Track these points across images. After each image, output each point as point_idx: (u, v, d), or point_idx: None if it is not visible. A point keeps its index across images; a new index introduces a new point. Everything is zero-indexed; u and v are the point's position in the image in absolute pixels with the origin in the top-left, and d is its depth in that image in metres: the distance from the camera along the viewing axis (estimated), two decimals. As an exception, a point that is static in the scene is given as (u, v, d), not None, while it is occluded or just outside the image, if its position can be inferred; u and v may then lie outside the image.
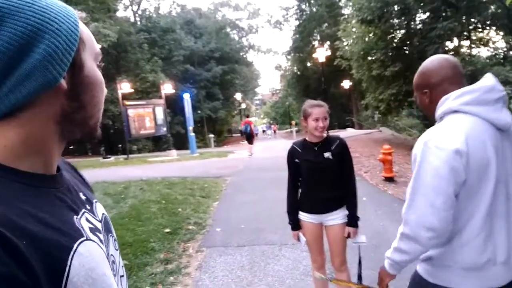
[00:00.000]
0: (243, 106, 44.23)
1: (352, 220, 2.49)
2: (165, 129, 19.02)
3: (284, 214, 5.65)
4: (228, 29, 43.46)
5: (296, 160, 2.54)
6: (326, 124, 2.41)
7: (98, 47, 0.63)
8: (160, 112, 18.35)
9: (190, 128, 18.04)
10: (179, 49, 32.83)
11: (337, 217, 2.51)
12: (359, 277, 2.50)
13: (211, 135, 29.32)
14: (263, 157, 14.09)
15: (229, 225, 5.16)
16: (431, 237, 1.24)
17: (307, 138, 2.55)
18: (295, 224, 2.62)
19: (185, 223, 5.28)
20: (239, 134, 41.71)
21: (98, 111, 0.63)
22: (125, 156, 17.96)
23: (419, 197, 1.27)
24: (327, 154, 2.44)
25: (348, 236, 2.51)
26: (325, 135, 2.51)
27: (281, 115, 53.65)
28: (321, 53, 16.40)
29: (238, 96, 38.85)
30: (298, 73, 38.54)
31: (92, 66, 0.61)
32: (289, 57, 41.25)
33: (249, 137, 15.47)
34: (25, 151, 0.55)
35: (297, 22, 38.28)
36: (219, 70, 35.04)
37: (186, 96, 18.38)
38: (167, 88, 19.98)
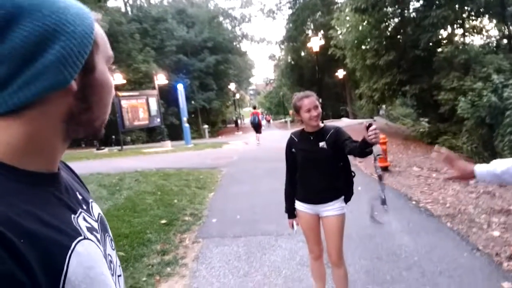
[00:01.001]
0: (237, 96, 44.06)
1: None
2: (159, 120, 18.92)
3: (280, 205, 5.67)
4: (221, 19, 42.87)
5: (293, 150, 2.55)
6: (319, 112, 2.41)
7: (110, 50, 0.63)
8: (153, 103, 18.23)
9: (185, 119, 17.96)
10: (172, 39, 32.45)
11: (333, 208, 2.48)
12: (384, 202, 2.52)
13: (206, 126, 29.23)
14: (258, 148, 14.11)
15: (225, 216, 5.18)
16: None
17: (304, 128, 2.55)
18: (290, 213, 2.66)
19: (181, 214, 5.29)
20: (233, 125, 41.77)
21: (105, 113, 0.64)
22: (119, 147, 17.87)
23: None
24: (322, 144, 2.43)
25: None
26: (321, 124, 2.51)
27: (275, 105, 53.65)
28: (315, 43, 16.34)
29: (232, 86, 38.58)
30: (292, 62, 38.36)
31: (104, 69, 0.61)
32: (282, 46, 40.98)
33: (257, 126, 16.44)
34: (28, 149, 0.54)
35: (290, 11, 37.98)
36: (212, 60, 34.67)
37: (180, 87, 18.25)
38: (160, 78, 19.82)
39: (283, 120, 37.91)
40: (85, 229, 0.59)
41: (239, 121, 40.66)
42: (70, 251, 0.52)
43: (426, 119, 18.24)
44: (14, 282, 0.43)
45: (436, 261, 3.43)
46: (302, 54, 36.85)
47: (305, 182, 2.54)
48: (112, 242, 0.72)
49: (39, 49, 0.50)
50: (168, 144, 17.35)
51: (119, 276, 0.70)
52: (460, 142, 11.30)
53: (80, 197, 0.67)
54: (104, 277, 0.58)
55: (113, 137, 19.90)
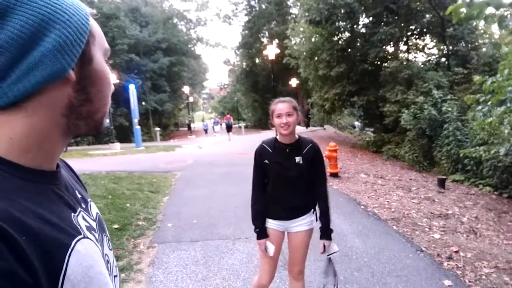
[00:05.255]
0: (191, 99, 43.48)
1: (327, 234, 2.30)
2: (107, 120, 18.09)
3: (237, 209, 5.72)
4: (176, 20, 42.14)
5: (266, 161, 2.28)
6: (290, 121, 2.18)
7: (106, 43, 0.64)
8: (102, 103, 17.44)
9: (136, 120, 17.41)
10: (123, 37, 31.27)
11: (304, 223, 2.32)
12: None
13: (157, 129, 28.50)
14: (213, 153, 14.03)
15: (181, 220, 5.10)
16: None
17: (278, 138, 2.31)
18: (263, 232, 2.32)
19: (134, 218, 5.12)
20: (186, 128, 41.08)
21: (104, 105, 0.63)
22: (62, 148, 16.83)
23: None
24: (298, 159, 2.23)
25: (323, 251, 2.31)
26: (297, 136, 2.30)
27: (229, 110, 53.62)
28: (271, 51, 16.65)
29: (186, 89, 38.00)
30: (247, 69, 38.70)
31: (101, 60, 0.61)
32: (238, 52, 41.28)
33: (229, 127, 22.98)
34: (29, 144, 0.54)
35: (246, 18, 38.44)
36: (166, 61, 33.92)
37: (132, 87, 17.67)
38: (111, 77, 19.03)
39: (236, 125, 37.98)
40: (84, 228, 0.59)
41: (192, 125, 40.05)
42: (70, 250, 0.52)
43: (372, 129, 19.32)
44: (17, 280, 0.43)
45: (384, 261, 3.65)
46: (257, 61, 37.37)
47: (277, 198, 2.32)
48: (109, 242, 0.72)
49: (36, 38, 0.50)
50: (117, 146, 16.68)
51: (115, 276, 0.70)
52: (402, 152, 12.10)
53: (79, 195, 0.67)
54: (103, 277, 0.58)
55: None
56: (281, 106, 2.20)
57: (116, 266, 0.72)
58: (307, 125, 26.87)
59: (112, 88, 0.66)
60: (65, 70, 0.53)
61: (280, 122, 2.18)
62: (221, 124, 43.57)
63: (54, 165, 0.60)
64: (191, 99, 43.50)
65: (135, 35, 32.58)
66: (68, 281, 0.50)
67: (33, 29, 0.50)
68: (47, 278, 0.47)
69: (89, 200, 0.71)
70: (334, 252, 2.37)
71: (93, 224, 0.65)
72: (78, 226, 0.57)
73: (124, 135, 25.36)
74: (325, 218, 2.30)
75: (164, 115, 37.77)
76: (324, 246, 2.31)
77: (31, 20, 0.50)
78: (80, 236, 0.55)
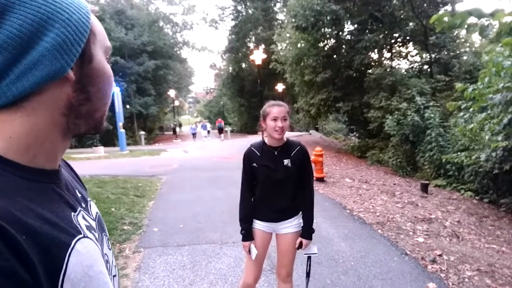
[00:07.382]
0: (177, 103, 43.19)
1: (307, 232, 2.33)
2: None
3: (223, 213, 5.70)
4: (162, 23, 41.85)
5: (254, 165, 2.29)
6: (285, 125, 2.20)
7: (108, 41, 0.63)
8: (86, 106, 17.13)
9: (120, 124, 17.14)
10: (108, 40, 30.94)
11: (292, 225, 2.35)
12: None
13: (142, 132, 28.16)
14: (198, 157, 13.94)
15: (167, 225, 5.05)
16: None
17: (266, 141, 2.32)
18: (248, 234, 2.35)
19: (119, 223, 5.04)
20: (171, 132, 40.68)
21: (105, 104, 0.63)
22: (44, 152, 16.44)
23: None
24: (286, 161, 2.24)
25: (299, 247, 2.35)
26: (285, 139, 2.31)
27: (215, 114, 53.48)
28: (258, 56, 16.72)
29: (171, 93, 37.70)
30: (233, 73, 38.67)
31: (102, 59, 0.61)
32: (224, 57, 41.25)
33: (221, 129, 27.26)
34: (29, 143, 0.54)
35: (233, 23, 38.46)
36: (151, 64, 33.55)
37: (116, 90, 17.42)
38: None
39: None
40: (84, 228, 0.59)
41: (177, 129, 39.72)
42: (70, 249, 0.52)
43: (357, 134, 19.57)
44: (17, 279, 0.43)
45: (370, 265, 3.70)
46: (244, 65, 37.40)
47: (266, 200, 2.34)
48: (109, 242, 0.72)
49: (34, 37, 0.50)
50: (100, 150, 16.40)
51: (114, 276, 0.70)
52: (386, 157, 12.29)
53: (79, 195, 0.67)
54: (103, 276, 0.58)
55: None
56: (278, 110, 2.21)
57: (115, 266, 0.72)
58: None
59: (113, 86, 0.66)
60: (64, 69, 0.53)
61: (276, 126, 2.18)
62: (208, 132, 43.43)
63: (56, 164, 0.60)
64: (176, 103, 43.19)
65: (120, 37, 32.17)
66: (68, 280, 0.50)
67: (32, 28, 0.49)
68: (47, 277, 0.47)
69: (89, 199, 0.71)
70: (313, 254, 2.40)
71: (93, 224, 0.65)
72: (78, 226, 0.57)
73: (108, 138, 24.95)
74: (308, 218, 2.33)
75: (149, 119, 37.30)
76: (301, 243, 2.32)
77: (30, 19, 0.49)
78: (80, 236, 0.55)
